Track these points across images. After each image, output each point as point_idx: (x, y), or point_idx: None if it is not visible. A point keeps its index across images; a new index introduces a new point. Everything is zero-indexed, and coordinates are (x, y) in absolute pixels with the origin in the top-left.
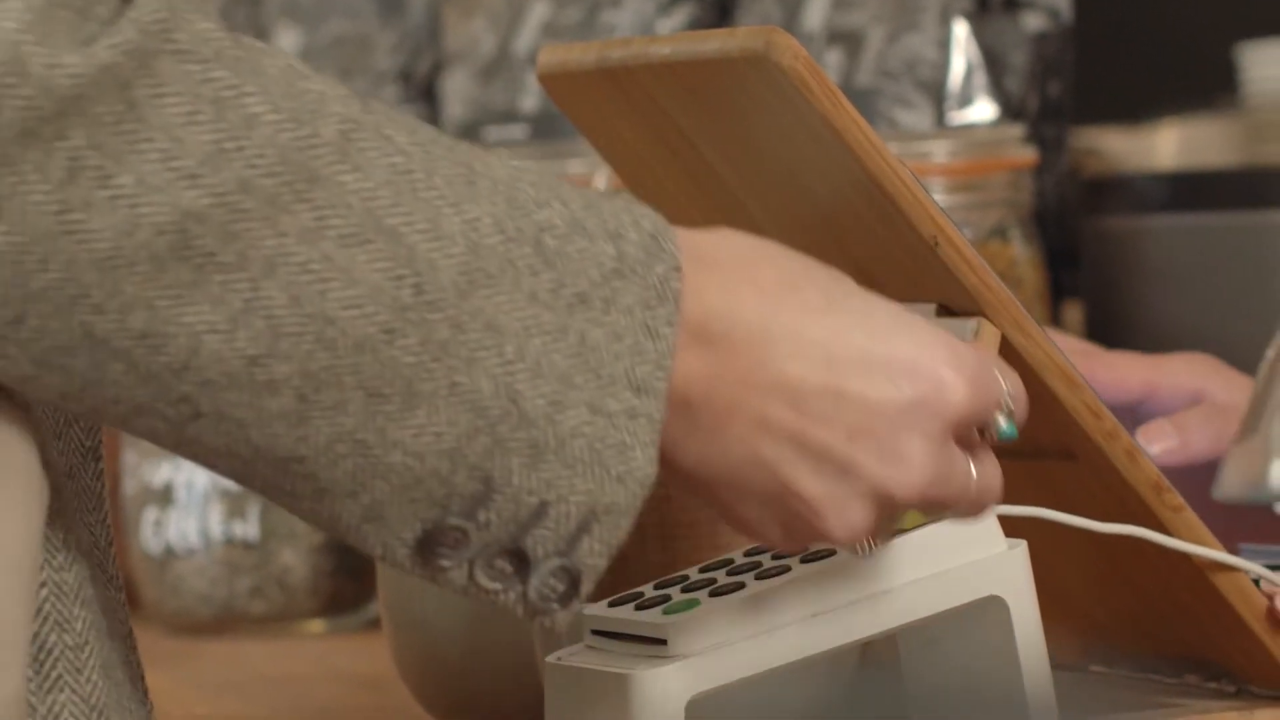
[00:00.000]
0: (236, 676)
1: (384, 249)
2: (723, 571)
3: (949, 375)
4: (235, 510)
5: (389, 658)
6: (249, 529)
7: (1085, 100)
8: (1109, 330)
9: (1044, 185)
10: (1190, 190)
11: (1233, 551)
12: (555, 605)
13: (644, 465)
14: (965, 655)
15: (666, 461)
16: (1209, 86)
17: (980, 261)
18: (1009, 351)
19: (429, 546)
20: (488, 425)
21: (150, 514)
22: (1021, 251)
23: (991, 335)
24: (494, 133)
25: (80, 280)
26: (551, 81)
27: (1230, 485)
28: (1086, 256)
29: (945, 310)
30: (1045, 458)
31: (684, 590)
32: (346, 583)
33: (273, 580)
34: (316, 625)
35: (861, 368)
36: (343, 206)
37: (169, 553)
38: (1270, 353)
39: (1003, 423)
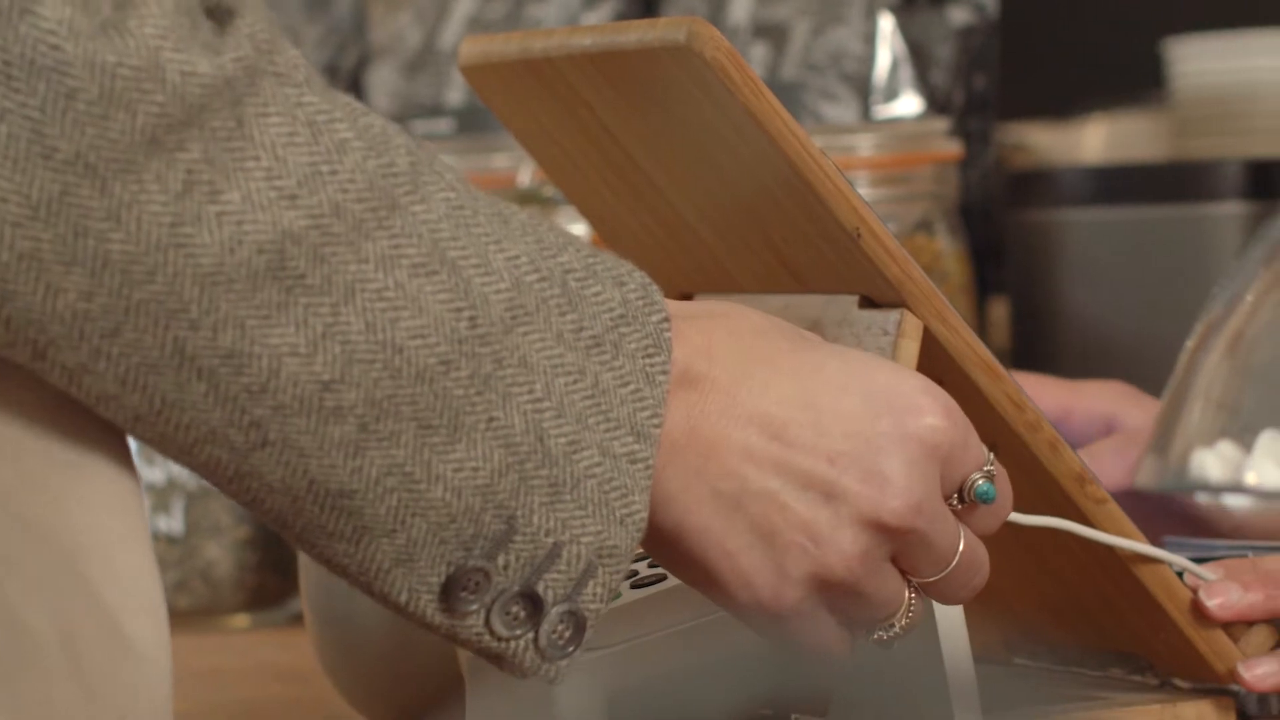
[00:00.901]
0: None
1: (446, 281)
2: (645, 563)
3: (925, 401)
4: (160, 504)
5: (313, 651)
6: (173, 523)
7: (1011, 94)
8: (1034, 324)
9: (969, 179)
10: (1114, 184)
11: (1157, 545)
12: (562, 651)
13: (640, 510)
14: (889, 652)
15: (658, 521)
16: (1136, 82)
17: (903, 253)
18: (931, 342)
19: (452, 591)
20: (517, 462)
21: None
22: (946, 245)
23: (914, 326)
24: (420, 126)
25: (181, 295)
26: (473, 73)
27: (1150, 475)
28: (1011, 250)
29: (868, 302)
30: None
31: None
32: (271, 577)
33: (197, 574)
34: (241, 620)
35: (838, 395)
36: (415, 236)
37: None
38: (1190, 343)
39: (981, 481)
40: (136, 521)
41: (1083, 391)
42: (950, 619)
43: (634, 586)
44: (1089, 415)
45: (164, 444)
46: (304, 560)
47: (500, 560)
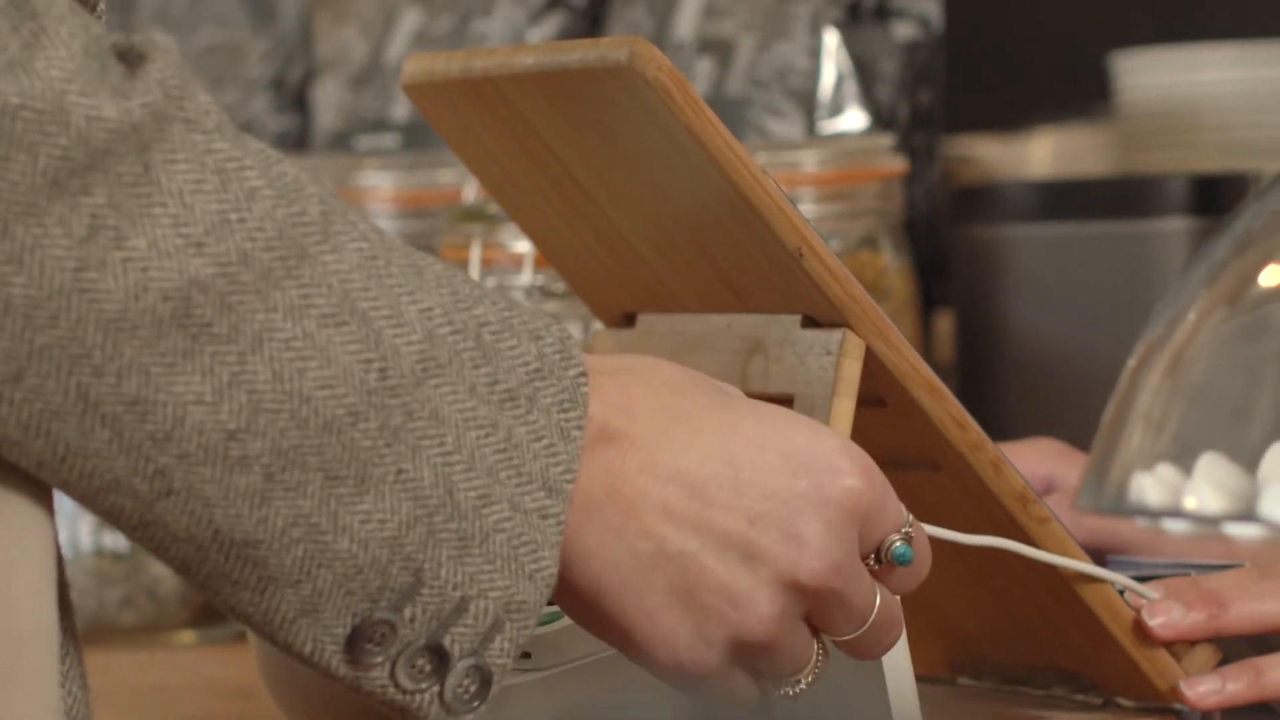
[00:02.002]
0: (105, 687)
1: (356, 331)
2: None
3: (844, 463)
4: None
5: (256, 668)
6: (119, 540)
7: (957, 108)
8: (979, 339)
9: (915, 194)
10: (1058, 199)
11: (1100, 563)
12: (468, 705)
13: (550, 566)
14: (831, 668)
15: (574, 578)
16: (1082, 96)
17: (845, 272)
18: (874, 362)
19: (357, 643)
20: (425, 515)
21: None
22: (891, 261)
23: (856, 346)
24: (365, 141)
25: (85, 340)
26: (416, 91)
27: (1089, 498)
28: (956, 265)
29: (811, 321)
30: (911, 468)
31: (550, 602)
32: None
33: (143, 591)
34: (187, 636)
35: (757, 455)
36: (324, 286)
37: None
38: (1132, 362)
39: (899, 543)
40: (44, 567)
41: (1018, 454)
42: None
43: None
44: (1028, 477)
45: (68, 489)
46: None
47: (407, 613)
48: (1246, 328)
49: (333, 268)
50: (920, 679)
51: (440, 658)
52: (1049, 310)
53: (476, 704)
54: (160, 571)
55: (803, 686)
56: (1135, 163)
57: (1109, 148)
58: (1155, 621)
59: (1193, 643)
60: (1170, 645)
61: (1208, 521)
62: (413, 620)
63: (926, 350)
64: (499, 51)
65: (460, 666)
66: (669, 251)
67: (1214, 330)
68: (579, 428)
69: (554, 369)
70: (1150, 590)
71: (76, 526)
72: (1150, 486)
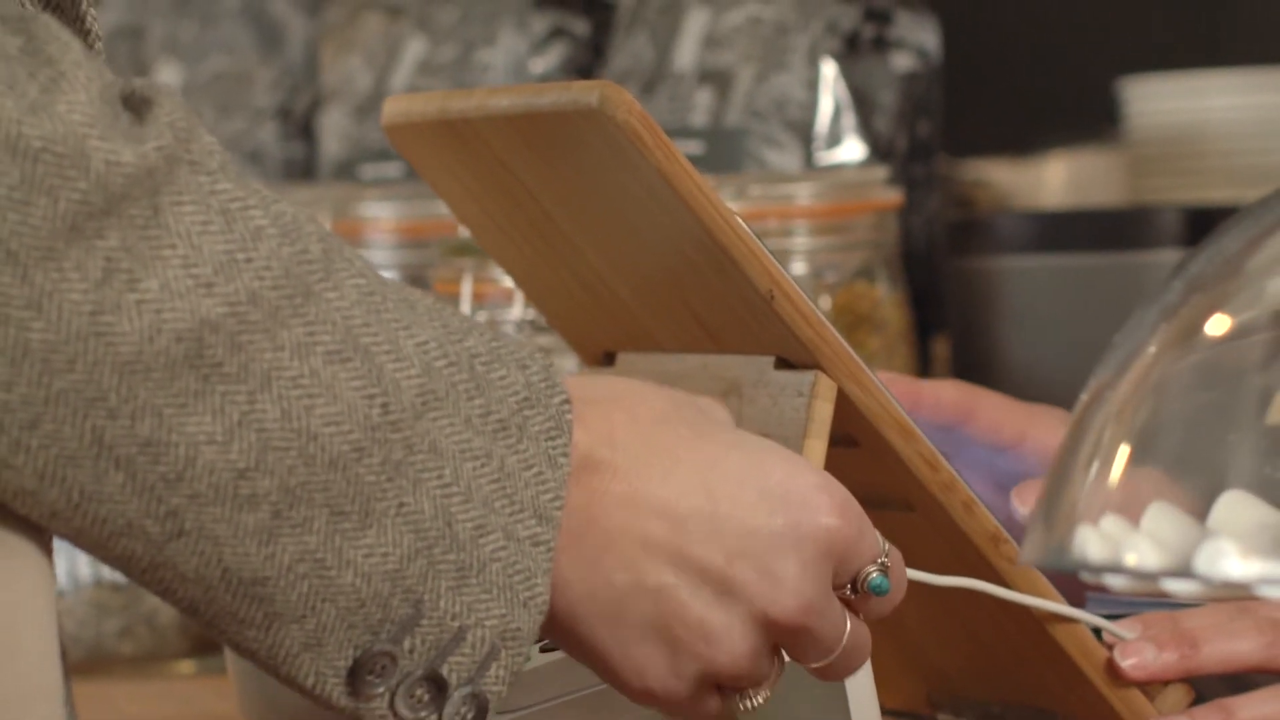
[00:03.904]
0: (102, 718)
1: (360, 368)
2: None
3: (821, 500)
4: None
5: (236, 704)
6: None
7: (958, 137)
8: (974, 371)
9: (912, 225)
10: (1052, 231)
11: (1079, 600)
12: None
13: (543, 592)
14: (798, 707)
15: (553, 606)
16: (1091, 120)
17: (816, 315)
18: (846, 403)
19: (359, 674)
20: (425, 547)
21: None
22: (887, 292)
23: (828, 388)
24: (370, 170)
25: (100, 383)
26: (395, 133)
27: (1033, 551)
28: (951, 297)
29: (783, 363)
30: (885, 508)
31: None
32: None
33: (141, 621)
34: (187, 666)
35: (736, 492)
36: (329, 323)
37: None
38: (1078, 409)
39: (874, 574)
40: (45, 605)
41: (1040, 420)
42: (858, 678)
43: (543, 650)
44: (1041, 446)
45: (79, 538)
46: None
47: (406, 644)
48: (1197, 373)
49: (335, 304)
50: (899, 714)
51: (438, 687)
52: (1043, 342)
53: None
54: (159, 602)
55: (761, 700)
56: (1142, 189)
57: (1121, 172)
58: (1127, 662)
59: (1166, 682)
60: (1144, 685)
61: (1146, 577)
62: (412, 651)
63: (925, 376)
64: (475, 93)
65: (457, 695)
66: (645, 292)
67: (1164, 375)
68: (565, 454)
69: (540, 396)
70: (1125, 628)
71: (75, 557)
72: (1093, 541)
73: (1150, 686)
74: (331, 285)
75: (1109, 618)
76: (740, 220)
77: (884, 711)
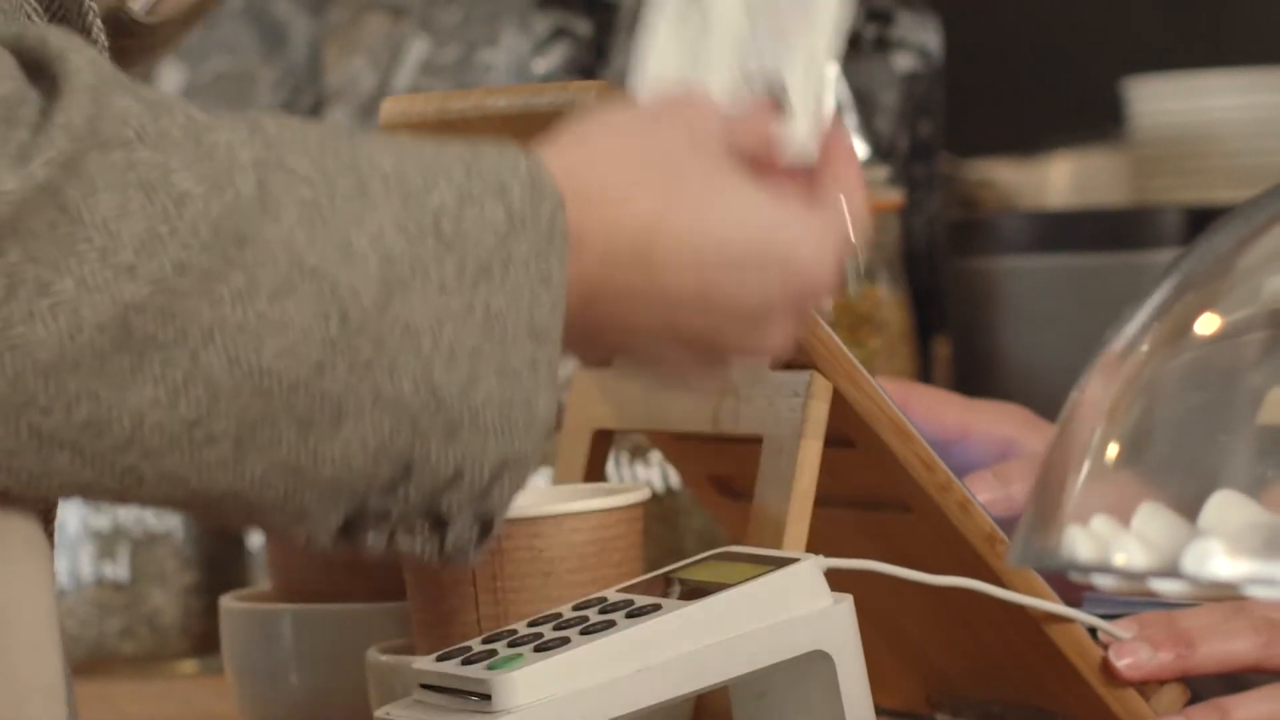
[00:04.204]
0: (100, 717)
1: (309, 290)
2: (550, 626)
3: (807, 253)
4: (106, 551)
5: (235, 704)
6: (119, 570)
7: (961, 136)
8: (974, 371)
9: (914, 225)
10: (1053, 231)
11: (1076, 600)
12: (470, 549)
13: (546, 409)
14: (793, 709)
15: (592, 323)
16: (1095, 120)
17: (811, 315)
18: (841, 404)
19: (352, 529)
20: (409, 420)
21: None
22: (887, 293)
23: (823, 388)
24: None
25: (27, 389)
26: (394, 132)
27: (1023, 552)
28: (951, 297)
29: (778, 363)
30: (882, 509)
31: (510, 645)
32: (217, 624)
33: (143, 621)
34: (189, 666)
35: (728, 268)
36: (269, 260)
37: None
38: (1068, 409)
39: (852, 285)
40: (44, 597)
41: (982, 413)
42: (853, 681)
43: (537, 650)
44: (987, 438)
45: (41, 495)
46: (223, 615)
47: (400, 493)
48: (1189, 372)
49: (274, 237)
50: (898, 715)
51: (437, 520)
52: (1043, 342)
53: (479, 547)
54: (160, 602)
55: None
56: (1146, 189)
57: (1126, 172)
58: (1123, 662)
59: (1162, 681)
60: (1139, 684)
61: (1134, 577)
62: (406, 498)
63: (926, 379)
64: (474, 93)
65: (460, 521)
66: None
67: (1155, 374)
68: (560, 261)
69: (525, 219)
70: (1121, 628)
71: (77, 556)
72: (1082, 541)
73: (1146, 686)
74: (270, 216)
75: (1106, 618)
76: None
77: (883, 712)
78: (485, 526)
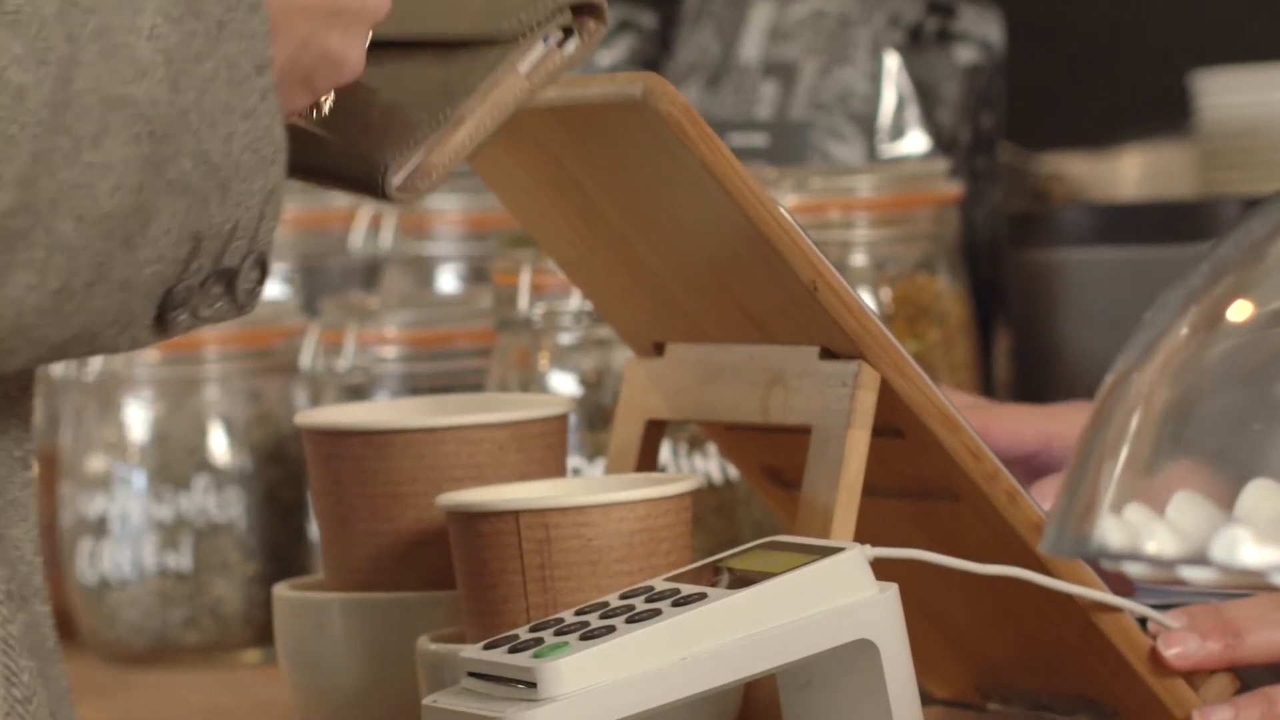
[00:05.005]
0: (161, 707)
1: (119, 121)
2: (596, 614)
3: None
4: (168, 541)
5: (287, 695)
6: (182, 560)
7: (1028, 133)
8: (1035, 364)
9: (975, 217)
10: (1113, 223)
11: (1128, 590)
12: (255, 294)
13: (280, 132)
14: (839, 698)
15: None
16: (1156, 117)
17: (860, 306)
18: (890, 394)
19: (164, 317)
20: (195, 195)
21: (85, 545)
22: (946, 285)
23: (871, 378)
24: None
25: None
26: None
27: (1055, 539)
28: (1013, 289)
29: (828, 354)
30: (930, 499)
31: (556, 633)
32: None
33: (206, 611)
34: (252, 655)
35: None
36: (85, 110)
37: (103, 584)
38: (1102, 395)
39: None
40: None
41: (1062, 416)
42: (898, 670)
43: (583, 638)
44: (1070, 443)
45: None
46: (276, 603)
47: (194, 266)
48: (1224, 359)
49: (84, 85)
50: (949, 704)
51: (227, 276)
52: (1104, 335)
53: (260, 287)
54: (223, 592)
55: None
56: (1215, 182)
57: (1192, 166)
58: (1171, 652)
59: (1210, 671)
60: (1188, 674)
61: (1163, 565)
62: (199, 269)
63: (987, 372)
64: None
65: (244, 267)
66: (692, 283)
67: (1190, 361)
68: None
69: None
70: (1170, 618)
71: (140, 547)
72: (1113, 529)
73: (1195, 676)
74: (79, 65)
75: (1157, 608)
76: (784, 211)
77: (934, 701)
78: (263, 266)
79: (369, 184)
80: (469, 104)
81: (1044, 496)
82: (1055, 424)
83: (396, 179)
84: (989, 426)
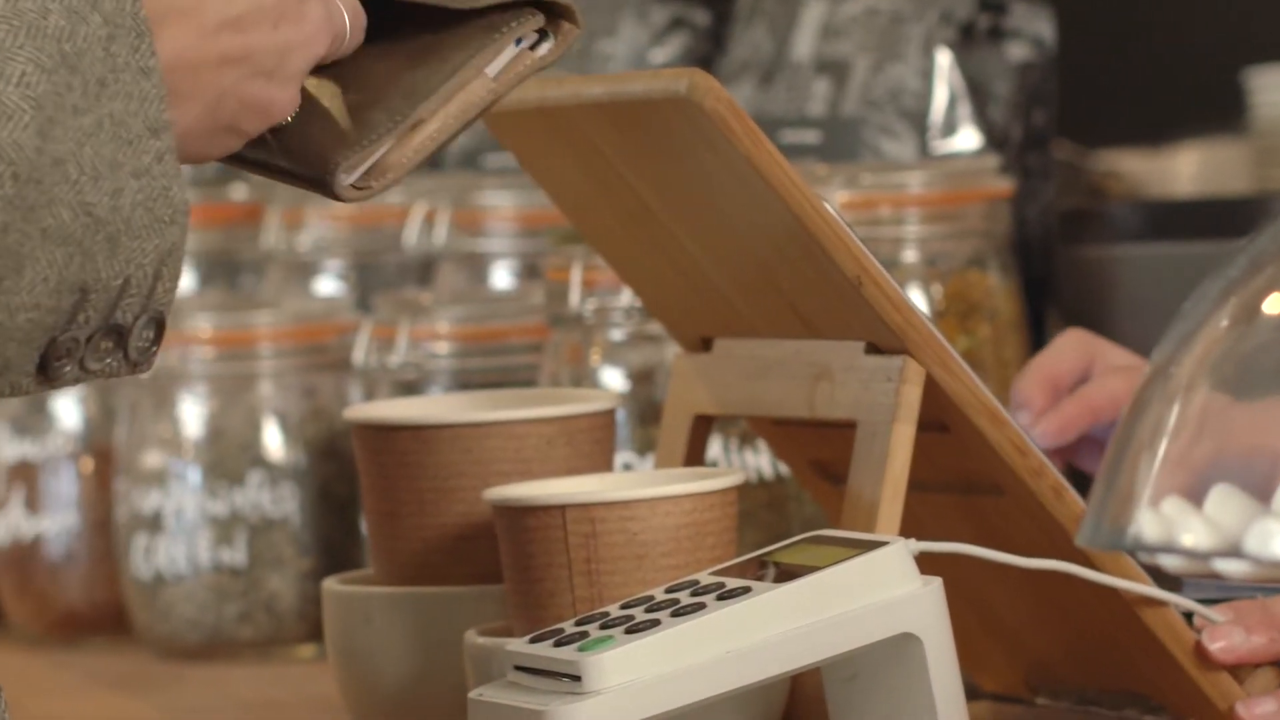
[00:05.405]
0: (213, 701)
1: None
2: (641, 608)
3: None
4: (223, 537)
5: (335, 687)
6: (236, 555)
7: (1084, 130)
8: None
9: (1027, 214)
10: (1165, 220)
11: (1176, 585)
12: (149, 352)
13: (179, 193)
14: (884, 691)
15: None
16: (1212, 113)
17: (905, 301)
18: (935, 389)
19: (47, 367)
20: (77, 246)
21: (140, 540)
22: (997, 281)
23: (916, 373)
24: (493, 159)
25: None
26: (493, 121)
27: (1092, 532)
28: (1064, 286)
29: (873, 349)
30: (976, 493)
31: (602, 627)
32: None
33: (260, 606)
34: (307, 650)
35: None
36: None
37: (158, 579)
38: (1139, 387)
39: None
40: None
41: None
42: (942, 664)
43: (628, 632)
44: (1063, 372)
45: None
46: (325, 598)
47: (81, 318)
48: (1262, 350)
49: None
50: (998, 698)
51: (118, 332)
52: (1156, 331)
53: (156, 347)
54: (277, 587)
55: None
56: (1269, 179)
57: (1247, 163)
58: (1216, 646)
59: (1256, 665)
60: (1234, 668)
61: (1198, 557)
62: (87, 322)
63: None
64: (569, 82)
65: (137, 326)
66: (739, 278)
67: (1228, 352)
68: (152, 54)
69: (119, 20)
70: (1216, 613)
71: (195, 542)
72: (1149, 521)
73: (1239, 670)
74: None
75: (1203, 602)
76: (829, 207)
77: (984, 695)
78: (159, 327)
79: (319, 181)
80: (429, 105)
81: None
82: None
83: (349, 178)
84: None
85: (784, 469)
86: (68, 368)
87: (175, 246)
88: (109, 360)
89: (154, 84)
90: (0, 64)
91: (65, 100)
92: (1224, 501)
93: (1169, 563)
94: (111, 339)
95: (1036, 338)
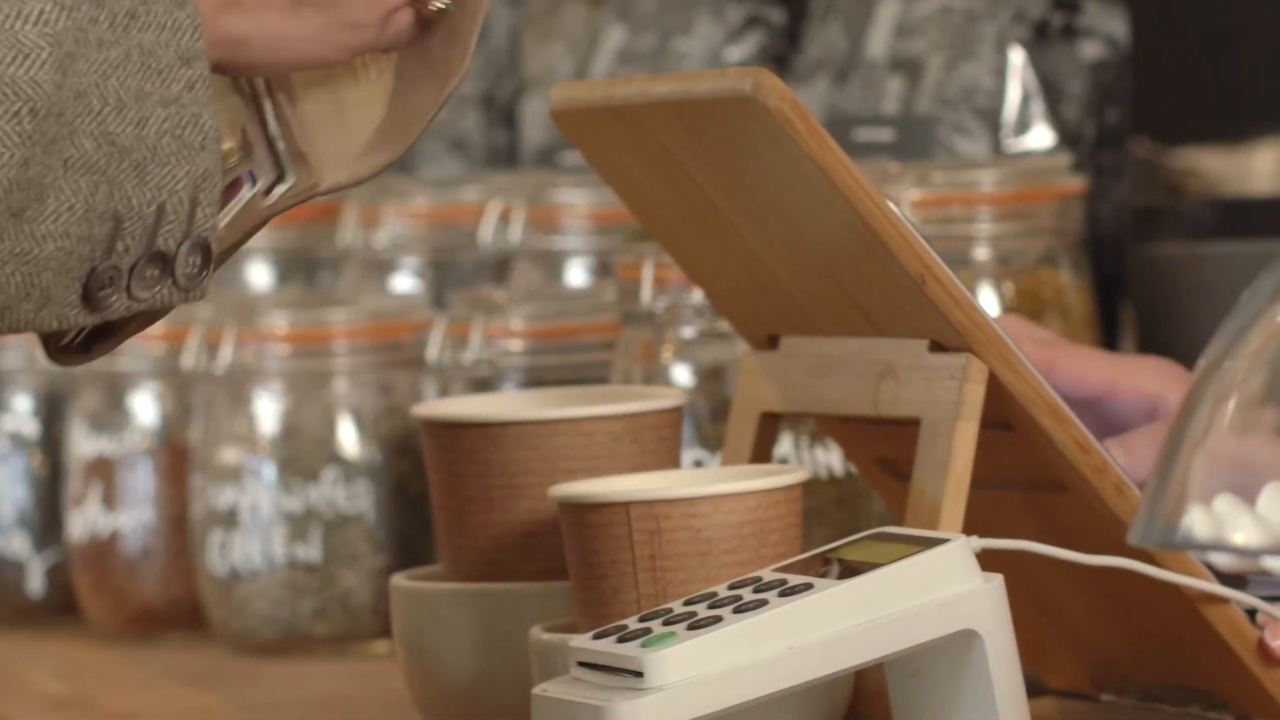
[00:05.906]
0: (284, 697)
1: None
2: (704, 605)
3: None
4: (297, 533)
5: (401, 681)
6: (311, 551)
7: (1162, 127)
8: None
9: (1101, 212)
10: (1240, 217)
11: (1238, 583)
12: (199, 279)
13: (212, 122)
14: (947, 687)
15: (233, 59)
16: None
17: (968, 299)
18: (998, 387)
19: (91, 297)
20: (102, 174)
21: (215, 536)
22: (1069, 279)
23: (979, 371)
24: (569, 157)
25: None
26: (562, 118)
27: (1144, 530)
28: (1137, 284)
29: (937, 346)
30: (1039, 490)
31: (665, 623)
32: None
33: (335, 602)
34: (381, 646)
35: None
36: None
37: (234, 574)
38: (1190, 386)
39: None
40: None
41: (1130, 368)
42: (1003, 661)
43: (690, 628)
44: (1134, 394)
45: None
46: (392, 593)
47: (120, 247)
48: None
49: None
50: (1063, 694)
51: (163, 259)
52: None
53: (205, 273)
54: (352, 583)
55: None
56: None
57: None
58: (1278, 643)
59: None
60: None
61: (1248, 555)
62: (127, 251)
63: None
64: (637, 80)
65: (182, 253)
66: (804, 276)
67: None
68: None
69: None
70: (1279, 609)
71: (269, 538)
72: (1200, 519)
73: None
74: None
75: (1268, 599)
76: (892, 205)
77: (1049, 692)
78: (205, 253)
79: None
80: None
81: (1128, 450)
82: (1121, 375)
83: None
84: (1054, 363)
85: (853, 466)
86: (114, 297)
87: (210, 172)
88: (158, 289)
89: (188, 13)
90: (19, 3)
91: (89, 34)
92: (1277, 499)
93: (1220, 560)
94: (157, 266)
95: (1108, 335)
